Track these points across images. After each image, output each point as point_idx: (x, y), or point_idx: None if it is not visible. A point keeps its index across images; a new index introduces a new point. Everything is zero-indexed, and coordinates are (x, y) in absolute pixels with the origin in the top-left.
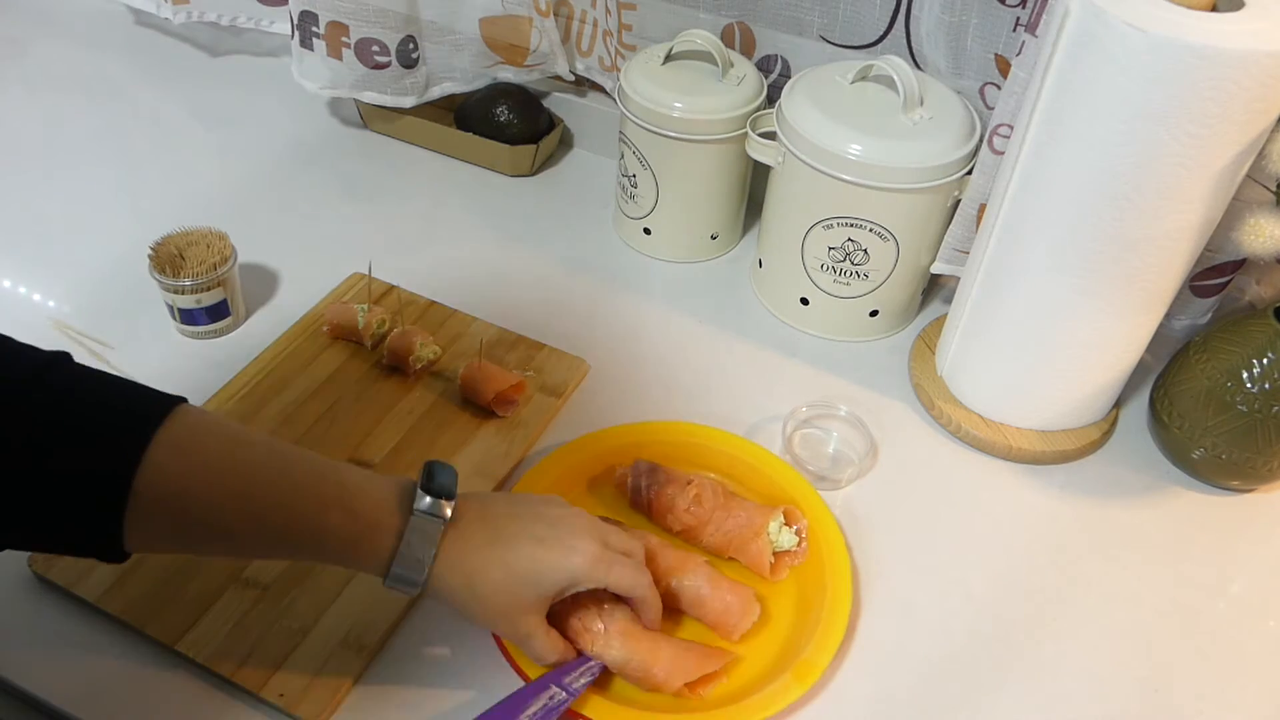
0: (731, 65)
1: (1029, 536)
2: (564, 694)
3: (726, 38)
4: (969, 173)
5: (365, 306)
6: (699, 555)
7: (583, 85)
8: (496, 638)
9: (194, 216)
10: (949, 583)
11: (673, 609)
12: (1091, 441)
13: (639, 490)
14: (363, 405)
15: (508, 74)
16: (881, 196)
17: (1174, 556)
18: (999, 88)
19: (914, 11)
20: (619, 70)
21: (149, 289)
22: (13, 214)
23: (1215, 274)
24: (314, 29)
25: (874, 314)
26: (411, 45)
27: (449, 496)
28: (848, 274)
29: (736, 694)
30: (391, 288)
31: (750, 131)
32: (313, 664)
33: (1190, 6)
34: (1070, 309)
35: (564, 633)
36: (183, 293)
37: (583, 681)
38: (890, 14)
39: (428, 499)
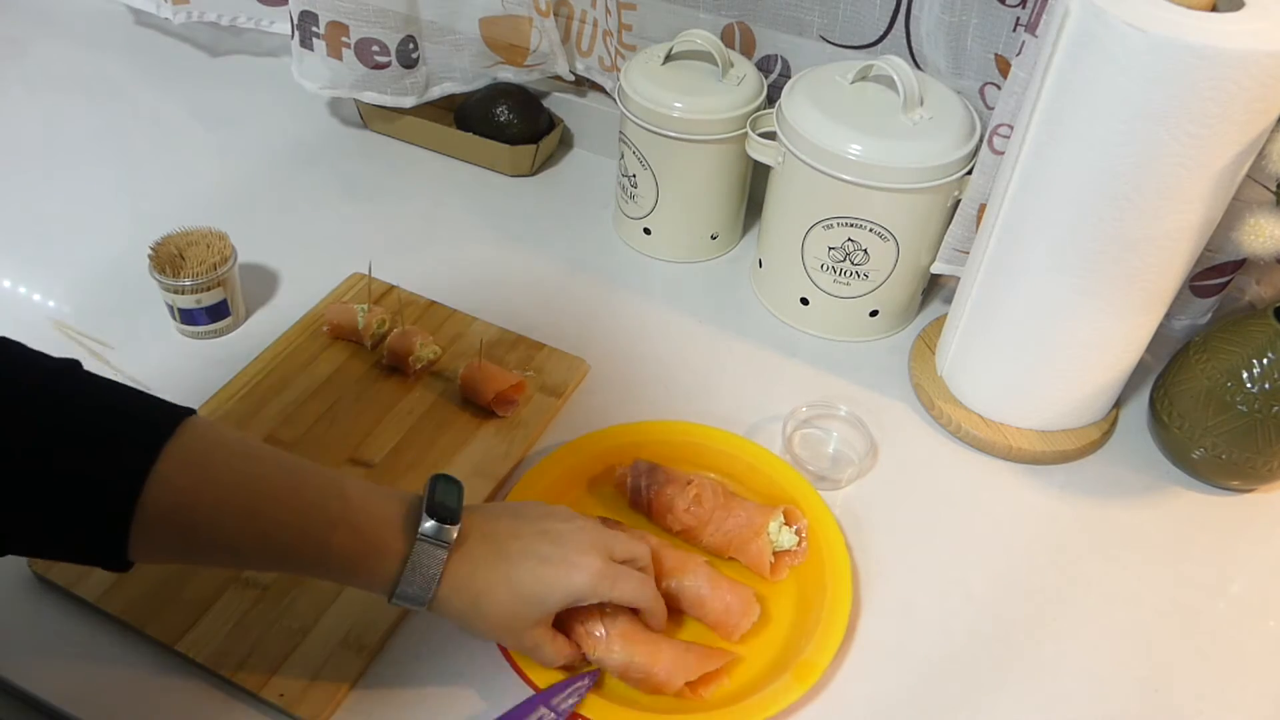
0: (731, 65)
1: (1029, 536)
2: (553, 715)
3: (726, 38)
4: (969, 173)
5: (365, 306)
6: (699, 556)
7: (583, 85)
8: None
9: (194, 216)
10: (949, 583)
11: (673, 609)
12: (1091, 441)
13: (639, 490)
14: (363, 405)
15: (508, 74)
16: (881, 196)
17: (1174, 556)
18: (999, 88)
19: (914, 11)
20: (619, 70)
21: (149, 289)
22: (13, 214)
23: (1215, 274)
24: (314, 29)
25: (874, 314)
26: (411, 45)
27: (453, 520)
28: (848, 274)
29: (737, 694)
30: (391, 288)
31: (750, 131)
32: (313, 664)
33: (1190, 6)
34: (1070, 309)
35: (565, 634)
36: (183, 293)
37: (570, 702)
38: (890, 14)
39: (431, 522)
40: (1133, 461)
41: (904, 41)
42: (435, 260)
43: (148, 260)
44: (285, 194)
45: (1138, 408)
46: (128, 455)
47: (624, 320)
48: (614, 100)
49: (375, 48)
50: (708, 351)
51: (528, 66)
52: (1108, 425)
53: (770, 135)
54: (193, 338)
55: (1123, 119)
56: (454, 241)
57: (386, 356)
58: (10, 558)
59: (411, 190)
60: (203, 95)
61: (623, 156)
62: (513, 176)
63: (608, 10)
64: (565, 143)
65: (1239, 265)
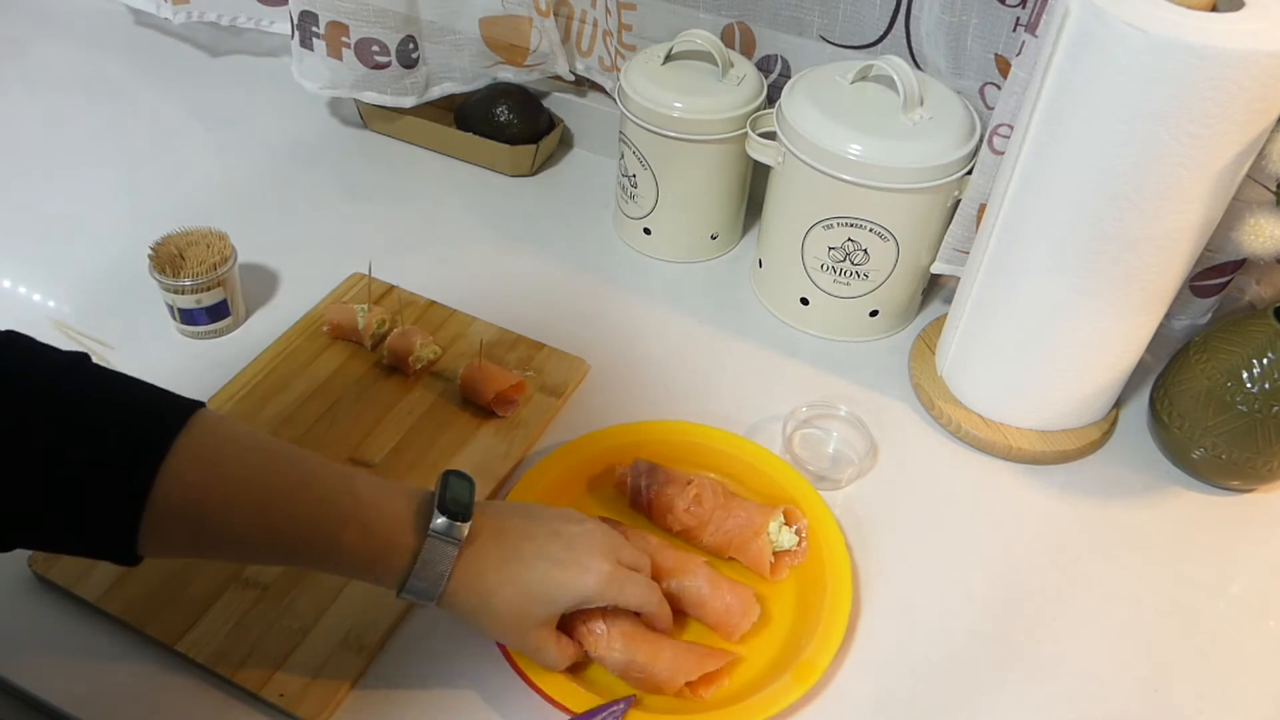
0: (731, 65)
1: (1029, 536)
2: None
3: (726, 38)
4: (969, 173)
5: (365, 306)
6: (699, 556)
7: (583, 85)
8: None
9: (194, 216)
10: (949, 583)
11: (673, 610)
12: (1091, 441)
13: (638, 490)
14: (363, 405)
15: (508, 74)
16: (881, 196)
17: (1174, 556)
18: (999, 88)
19: (914, 11)
20: (619, 70)
21: (149, 289)
22: (13, 214)
23: (1215, 274)
24: (314, 29)
25: (874, 314)
26: (411, 45)
27: (465, 517)
28: (848, 274)
29: (737, 694)
30: (391, 288)
31: (750, 131)
32: (313, 664)
33: (1190, 6)
34: (1070, 309)
35: (567, 633)
36: (183, 293)
37: None
38: (890, 14)
39: (443, 519)
40: (1133, 461)
41: (904, 41)
42: (435, 260)
43: (148, 260)
44: (285, 194)
45: (1138, 408)
46: (138, 450)
47: (624, 320)
48: (614, 100)
49: (375, 48)
50: (708, 351)
51: (528, 66)
52: (1108, 425)
53: (770, 135)
54: (193, 338)
55: (1123, 119)
56: (454, 241)
57: (386, 356)
58: (10, 558)
59: (411, 190)
60: (203, 95)
61: (623, 156)
62: (513, 176)
63: (608, 10)
64: (565, 143)
65: (1239, 265)
